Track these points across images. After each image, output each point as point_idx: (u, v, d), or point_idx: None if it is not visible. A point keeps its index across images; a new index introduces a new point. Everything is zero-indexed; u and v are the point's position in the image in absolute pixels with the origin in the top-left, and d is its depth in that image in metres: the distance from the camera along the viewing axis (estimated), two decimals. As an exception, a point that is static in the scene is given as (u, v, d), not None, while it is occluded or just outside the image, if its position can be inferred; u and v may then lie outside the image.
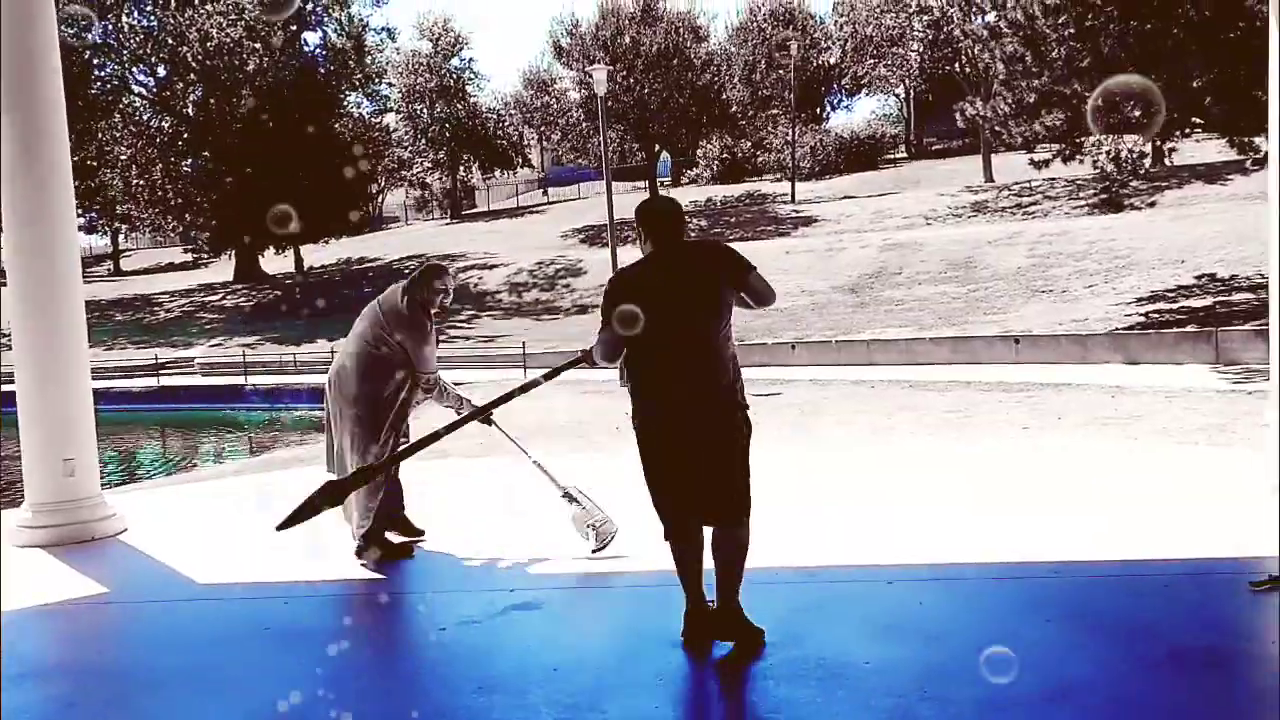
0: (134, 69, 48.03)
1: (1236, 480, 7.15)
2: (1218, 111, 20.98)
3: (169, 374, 32.73)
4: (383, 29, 54.02)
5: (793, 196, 47.62)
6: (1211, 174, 35.22)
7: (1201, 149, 33.59)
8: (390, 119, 57.62)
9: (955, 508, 6.96)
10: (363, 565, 6.08)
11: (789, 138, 51.76)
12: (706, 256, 4.48)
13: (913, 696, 3.99)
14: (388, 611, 5.25)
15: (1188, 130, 23.95)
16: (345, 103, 51.09)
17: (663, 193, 52.02)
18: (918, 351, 22.44)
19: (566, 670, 4.37)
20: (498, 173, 61.58)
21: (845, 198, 46.40)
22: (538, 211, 56.39)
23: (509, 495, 8.08)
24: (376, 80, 53.27)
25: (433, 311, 6.18)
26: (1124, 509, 6.64)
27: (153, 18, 46.99)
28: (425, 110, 58.43)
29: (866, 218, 41.34)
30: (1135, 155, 24.81)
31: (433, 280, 6.15)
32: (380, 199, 62.81)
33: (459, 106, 58.28)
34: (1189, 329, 20.70)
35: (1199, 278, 25.00)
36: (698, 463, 4.35)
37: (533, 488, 6.75)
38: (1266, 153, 7.01)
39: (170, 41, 45.61)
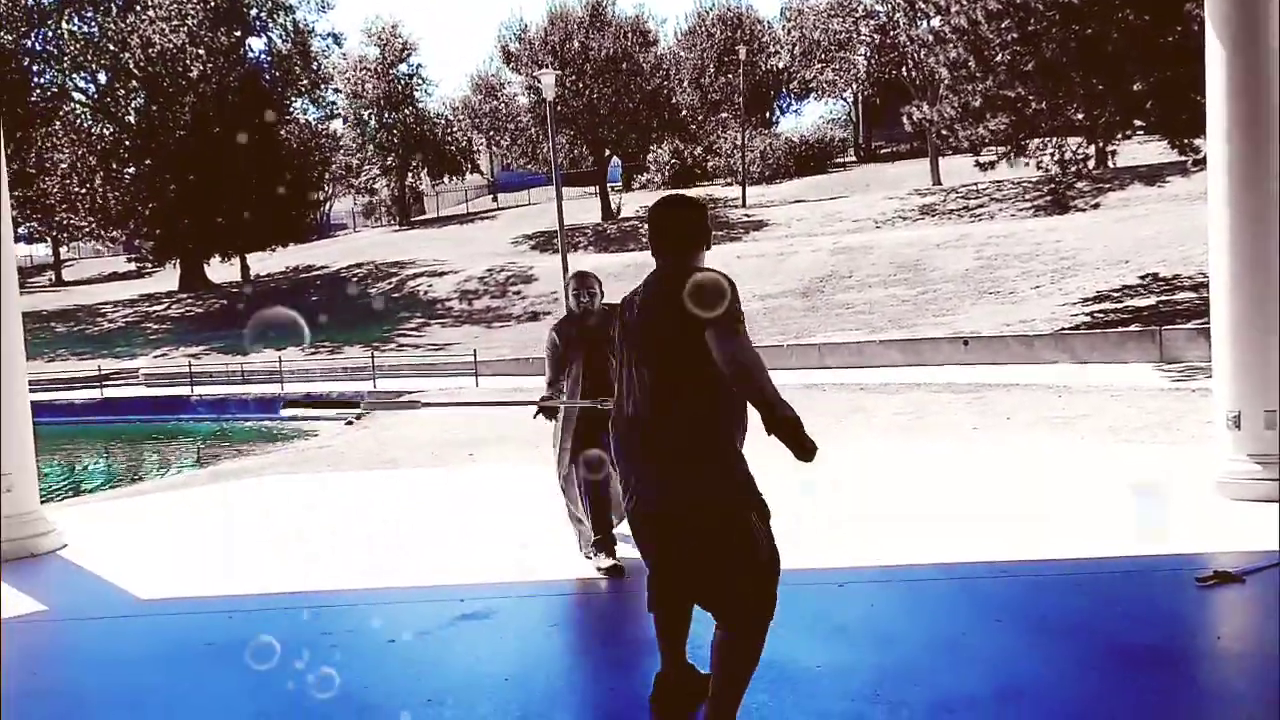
0: (74, 76, 47.26)
1: (1184, 476, 7.23)
2: (1158, 114, 21.31)
3: (113, 385, 32.22)
4: (329, 34, 53.71)
5: (743, 201, 47.80)
6: (1153, 175, 35.77)
7: (1143, 151, 34.10)
8: (337, 125, 57.20)
9: (906, 509, 6.98)
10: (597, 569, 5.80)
11: (739, 142, 51.96)
12: (682, 289, 3.32)
13: (865, 699, 3.98)
14: (334, 623, 5.16)
15: (1129, 133, 24.30)
16: (291, 109, 50.60)
17: (614, 198, 52.00)
18: (868, 354, 22.56)
19: (518, 681, 4.31)
20: (447, 179, 61.24)
21: (795, 201, 46.63)
22: (488, 217, 56.18)
23: (457, 505, 8.03)
24: (323, 86, 52.84)
25: (580, 314, 6.13)
26: (1071, 508, 6.69)
27: (93, 24, 46.27)
28: (373, 116, 58.05)
29: (816, 221, 41.57)
30: (1079, 157, 25.13)
31: (567, 290, 6.31)
32: (328, 206, 62.26)
33: (407, 112, 57.97)
34: (1133, 328, 20.98)
35: (1143, 278, 25.36)
36: (666, 553, 3.53)
37: (476, 498, 6.69)
38: (1206, 154, 7.10)
39: (111, 48, 44.92)
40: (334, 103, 55.79)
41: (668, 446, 3.37)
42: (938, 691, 4.01)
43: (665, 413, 3.36)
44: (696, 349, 3.25)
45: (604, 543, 5.79)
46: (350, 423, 24.02)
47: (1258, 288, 6.49)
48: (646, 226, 3.57)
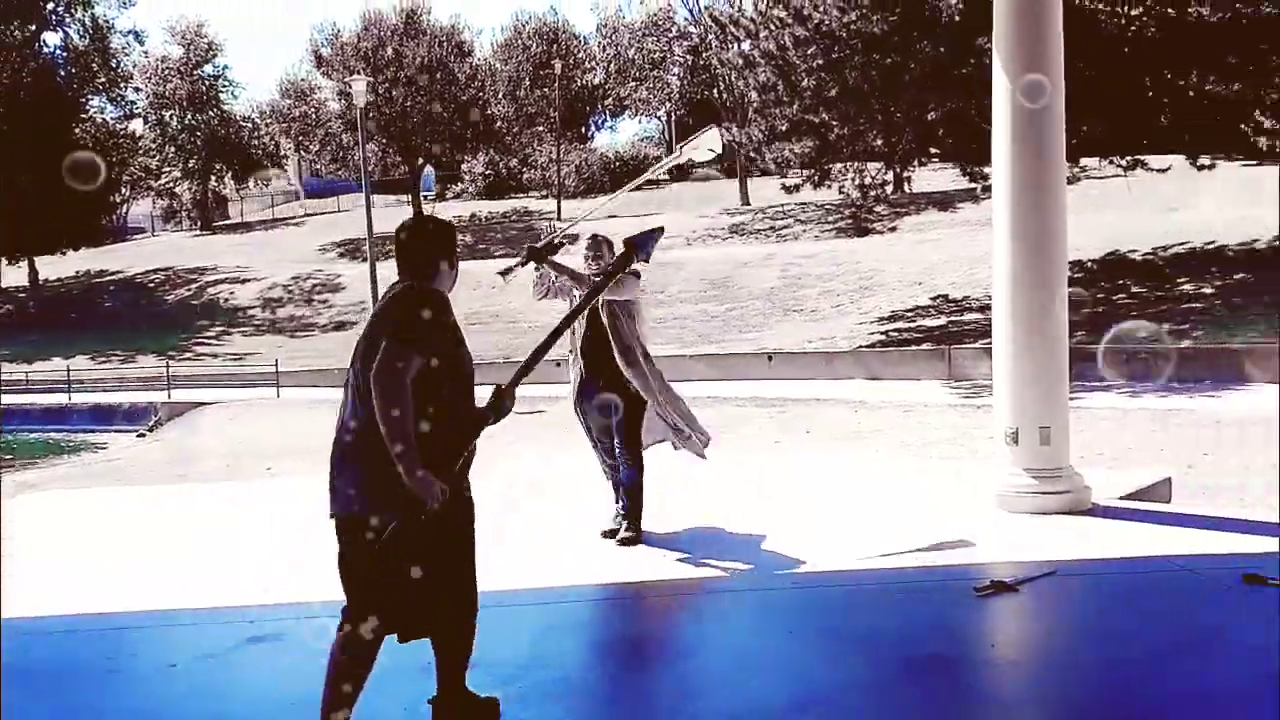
0: None
1: (967, 490, 7.56)
2: (950, 143, 22.44)
3: (-120, 395, 29.85)
4: (130, 32, 51.24)
5: (558, 214, 47.89)
6: (946, 201, 37.55)
7: (937, 177, 35.77)
8: (137, 125, 54.66)
9: (705, 522, 7.06)
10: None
11: (554, 155, 52.08)
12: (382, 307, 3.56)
13: (660, 712, 4.01)
14: (115, 646, 4.90)
15: (924, 160, 25.49)
16: (88, 107, 48.09)
17: (427, 208, 51.32)
18: (679, 368, 22.77)
19: (305, 704, 4.17)
20: (252, 183, 59.26)
21: (610, 216, 46.89)
22: (295, 224, 54.64)
23: (251, 522, 7.75)
24: (122, 85, 50.39)
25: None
26: (861, 521, 6.90)
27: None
28: (175, 117, 55.69)
29: (629, 237, 41.95)
30: (878, 182, 26.19)
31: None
32: (125, 208, 59.39)
33: (211, 114, 55.87)
34: (925, 347, 21.96)
35: (934, 299, 26.58)
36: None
37: (272, 514, 6.47)
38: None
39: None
40: (134, 102, 53.34)
41: (361, 451, 3.38)
42: (733, 703, 4.08)
43: (356, 413, 3.40)
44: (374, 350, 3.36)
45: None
46: (142, 435, 22.97)
47: (1034, 312, 6.85)
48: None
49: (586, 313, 6.16)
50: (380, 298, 3.70)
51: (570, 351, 6.49)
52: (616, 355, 6.28)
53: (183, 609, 5.56)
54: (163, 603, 5.64)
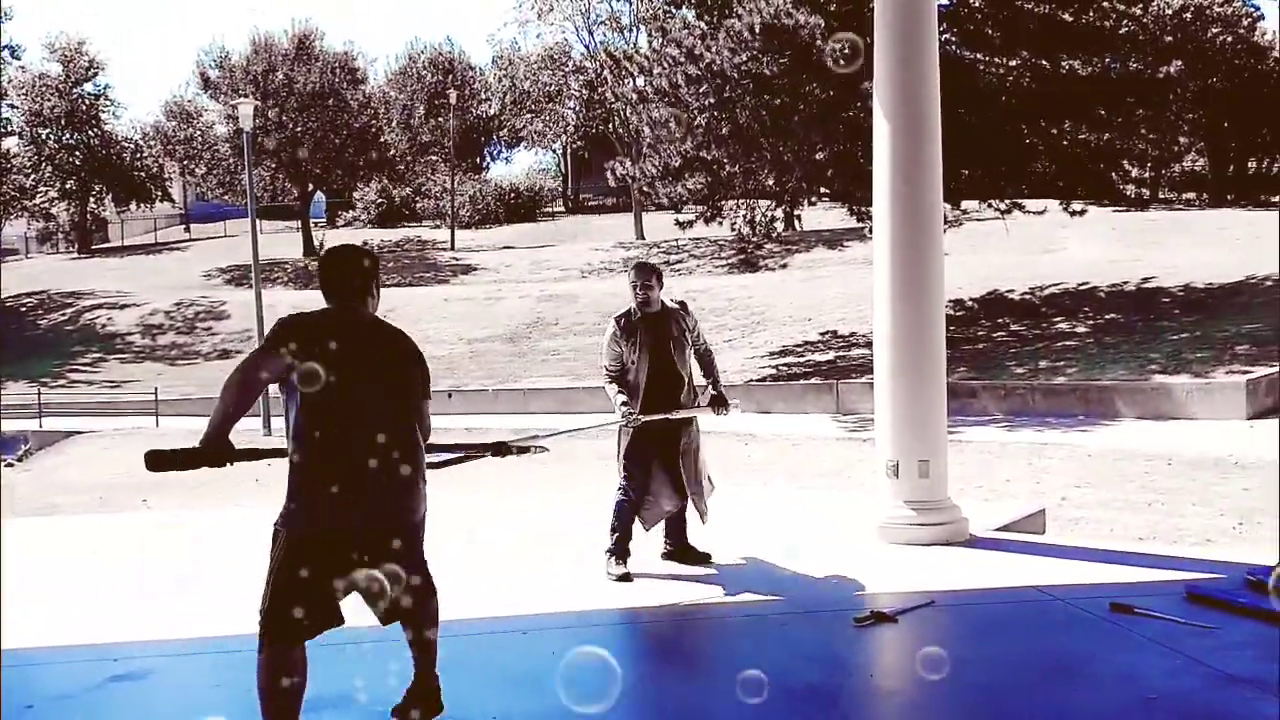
0: None
1: (851, 522, 7.67)
2: (838, 183, 22.91)
3: None
4: (4, 46, 49.56)
5: (452, 244, 47.60)
6: (834, 240, 38.32)
7: (827, 216, 36.49)
8: (10, 143, 52.77)
9: (589, 553, 7.02)
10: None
11: (448, 185, 51.74)
12: (400, 342, 3.90)
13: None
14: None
15: (814, 199, 25.94)
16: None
17: (317, 234, 50.61)
18: (573, 400, 22.85)
19: (171, 744, 4.03)
20: (134, 206, 57.52)
21: (505, 248, 46.88)
22: (178, 249, 53.31)
23: (121, 555, 7.51)
24: (-6, 100, 48.70)
25: (641, 310, 6.35)
26: (748, 551, 6.94)
27: None
28: (52, 136, 53.90)
29: (525, 268, 41.93)
30: (769, 219, 26.57)
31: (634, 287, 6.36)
32: (-5, 229, 57.24)
33: (91, 134, 54.18)
34: (814, 381, 22.30)
35: (823, 334, 27.04)
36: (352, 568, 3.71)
37: (144, 547, 6.26)
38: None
39: None
40: (8, 119, 51.51)
41: (396, 466, 3.76)
42: (611, 737, 4.06)
43: (400, 434, 3.79)
44: (416, 386, 3.88)
45: (625, 551, 6.26)
46: (11, 464, 22.09)
47: (913, 348, 7.01)
48: (326, 272, 3.91)
49: (652, 344, 6.28)
50: (360, 324, 3.85)
51: (621, 385, 6.31)
52: (684, 393, 6.44)
53: (43, 647, 5.33)
54: (21, 641, 5.40)
